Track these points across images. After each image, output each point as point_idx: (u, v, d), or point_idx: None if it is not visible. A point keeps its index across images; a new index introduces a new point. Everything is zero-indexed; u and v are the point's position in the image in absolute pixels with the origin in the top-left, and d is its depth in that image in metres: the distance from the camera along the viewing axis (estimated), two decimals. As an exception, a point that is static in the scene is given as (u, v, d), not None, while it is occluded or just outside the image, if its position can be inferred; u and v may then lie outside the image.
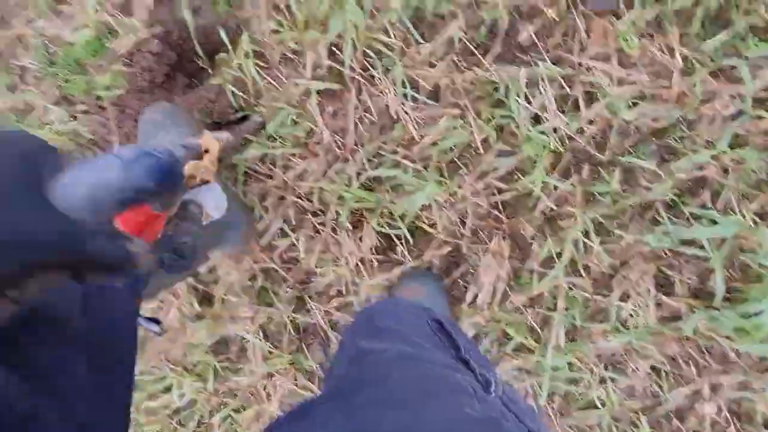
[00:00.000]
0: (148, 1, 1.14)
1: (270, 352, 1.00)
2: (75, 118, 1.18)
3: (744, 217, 0.78)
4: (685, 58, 0.79)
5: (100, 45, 1.19)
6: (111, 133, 1.15)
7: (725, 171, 0.79)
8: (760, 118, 0.78)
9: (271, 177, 0.99)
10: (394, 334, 0.60)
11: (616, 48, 0.84)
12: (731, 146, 0.78)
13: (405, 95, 0.94)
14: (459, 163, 0.91)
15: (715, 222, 0.79)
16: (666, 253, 0.84)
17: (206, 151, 0.74)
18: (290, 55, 1.02)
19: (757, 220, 0.79)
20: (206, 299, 1.04)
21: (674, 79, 0.79)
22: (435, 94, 0.95)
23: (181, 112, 0.98)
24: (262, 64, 1.03)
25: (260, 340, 1.00)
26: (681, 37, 0.80)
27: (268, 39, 1.03)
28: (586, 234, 0.85)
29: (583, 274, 0.86)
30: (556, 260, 0.86)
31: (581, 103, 0.84)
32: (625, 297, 0.85)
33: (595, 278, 0.87)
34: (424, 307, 0.72)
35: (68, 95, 1.22)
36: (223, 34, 1.04)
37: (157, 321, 0.76)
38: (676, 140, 0.81)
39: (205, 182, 0.71)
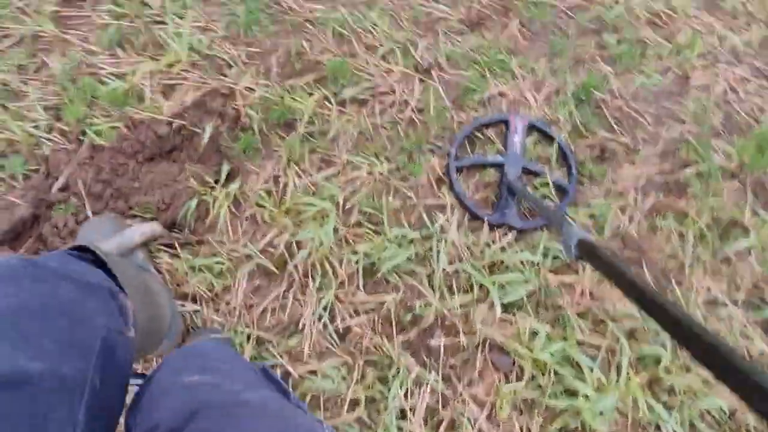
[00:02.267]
0: (186, 97, 1.25)
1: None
2: (51, 131, 1.23)
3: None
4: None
5: (122, 100, 1.25)
6: (64, 168, 1.16)
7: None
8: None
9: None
10: (224, 371, 0.60)
11: (491, 403, 1.02)
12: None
13: (321, 316, 1.07)
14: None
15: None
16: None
17: None
18: (259, 220, 1.16)
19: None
20: None
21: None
22: (343, 335, 1.08)
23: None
24: (234, 210, 1.17)
25: None
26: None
27: (251, 199, 1.17)
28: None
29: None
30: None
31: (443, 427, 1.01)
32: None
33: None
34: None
35: (61, 111, 1.24)
36: (225, 168, 1.19)
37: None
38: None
39: None
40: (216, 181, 1.18)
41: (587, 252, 0.71)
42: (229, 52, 1.33)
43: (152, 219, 1.14)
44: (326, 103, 1.28)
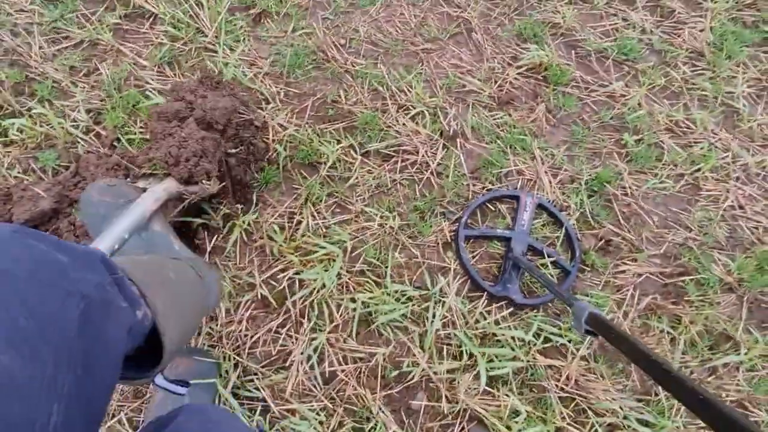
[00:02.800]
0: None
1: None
2: (88, 133, 1.30)
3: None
4: None
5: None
6: (93, 170, 1.18)
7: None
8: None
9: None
10: None
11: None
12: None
13: (309, 357, 1.11)
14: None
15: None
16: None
17: None
18: (267, 252, 1.21)
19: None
20: None
21: None
22: (328, 380, 1.11)
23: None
24: (245, 237, 1.22)
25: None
26: None
27: (263, 230, 1.22)
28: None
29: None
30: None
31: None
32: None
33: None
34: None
35: (102, 116, 1.32)
36: (254, 196, 1.27)
37: (185, 383, 0.76)
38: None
39: None
40: (242, 210, 1.22)
41: (598, 326, 0.75)
42: (270, 88, 1.40)
43: (165, 175, 1.04)
44: (351, 151, 1.34)
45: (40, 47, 1.40)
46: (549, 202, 1.34)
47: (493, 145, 1.40)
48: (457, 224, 1.29)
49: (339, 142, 1.34)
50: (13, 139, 1.27)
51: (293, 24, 1.51)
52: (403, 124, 1.39)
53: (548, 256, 1.27)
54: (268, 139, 1.32)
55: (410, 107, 1.42)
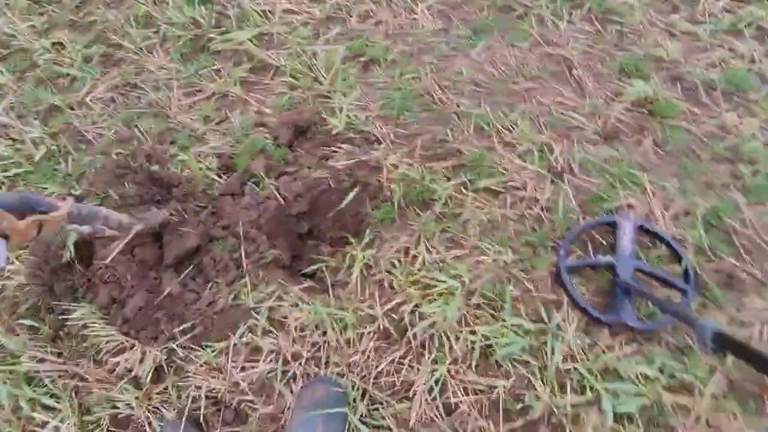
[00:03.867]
0: (338, 164, 1.41)
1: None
2: (221, 176, 1.45)
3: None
4: None
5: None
6: (229, 209, 1.35)
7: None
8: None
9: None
10: None
11: None
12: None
13: (432, 388, 1.15)
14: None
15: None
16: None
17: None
18: (386, 286, 1.28)
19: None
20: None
21: None
22: (450, 411, 1.14)
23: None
24: (365, 272, 1.29)
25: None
26: None
27: (381, 265, 1.29)
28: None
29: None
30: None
31: None
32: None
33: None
34: None
35: (233, 160, 1.45)
36: (368, 233, 1.34)
37: None
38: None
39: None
40: (357, 242, 1.30)
41: (725, 344, 0.74)
42: (381, 129, 1.49)
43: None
44: (462, 188, 1.39)
45: (179, 100, 1.57)
46: (646, 221, 1.33)
47: (601, 180, 1.41)
48: (557, 259, 1.30)
49: (449, 179, 1.40)
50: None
51: (400, 69, 1.61)
52: (510, 160, 1.43)
53: (658, 278, 1.26)
54: (382, 178, 1.40)
55: (516, 144, 1.46)
